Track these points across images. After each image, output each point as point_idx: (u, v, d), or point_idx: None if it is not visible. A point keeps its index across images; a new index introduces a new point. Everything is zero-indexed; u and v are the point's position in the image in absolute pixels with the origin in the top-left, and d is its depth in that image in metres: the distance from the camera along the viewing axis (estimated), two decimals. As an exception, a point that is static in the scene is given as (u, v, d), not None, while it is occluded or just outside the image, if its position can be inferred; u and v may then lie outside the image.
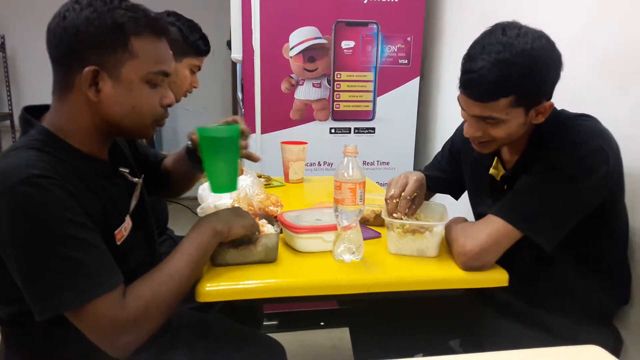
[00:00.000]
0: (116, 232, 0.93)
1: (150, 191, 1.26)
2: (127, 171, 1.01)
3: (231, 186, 1.08)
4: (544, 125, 1.12)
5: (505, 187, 1.20)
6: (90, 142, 0.92)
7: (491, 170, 1.25)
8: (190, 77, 1.65)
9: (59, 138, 0.90)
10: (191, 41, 1.60)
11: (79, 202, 0.83)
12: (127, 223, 0.97)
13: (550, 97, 1.07)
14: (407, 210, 1.21)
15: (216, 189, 1.07)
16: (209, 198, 1.36)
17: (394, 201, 1.22)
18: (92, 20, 0.84)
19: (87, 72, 0.85)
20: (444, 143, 1.51)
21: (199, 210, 1.34)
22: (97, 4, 0.85)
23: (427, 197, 1.51)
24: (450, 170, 1.45)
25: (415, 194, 1.23)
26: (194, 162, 1.16)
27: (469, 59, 1.04)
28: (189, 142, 1.16)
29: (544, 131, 1.12)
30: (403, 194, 1.22)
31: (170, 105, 0.97)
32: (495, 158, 1.25)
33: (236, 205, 1.26)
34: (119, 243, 0.93)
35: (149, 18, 0.89)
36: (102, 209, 0.89)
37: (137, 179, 1.03)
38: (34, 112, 0.94)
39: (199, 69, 1.69)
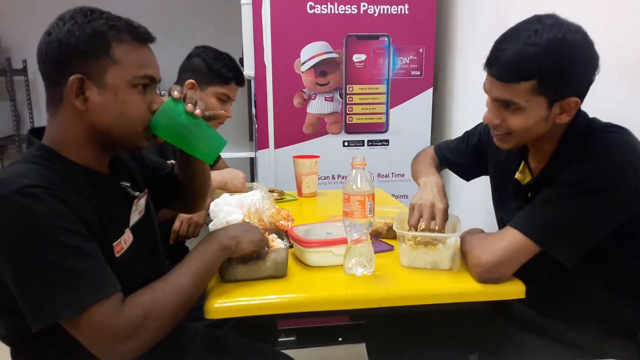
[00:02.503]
0: (114, 244, 0.92)
1: (165, 205, 1.26)
2: (128, 185, 1.02)
3: (217, 147, 1.02)
4: (573, 134, 1.08)
5: (529, 194, 1.16)
6: (86, 154, 0.93)
7: (517, 175, 1.22)
8: (219, 105, 1.67)
9: (54, 152, 0.91)
10: (214, 69, 1.63)
11: (74, 211, 0.84)
12: (127, 236, 0.97)
13: (578, 95, 1.03)
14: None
15: (208, 158, 1.03)
16: (220, 214, 1.36)
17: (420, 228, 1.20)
18: (74, 31, 0.87)
19: (72, 81, 0.86)
20: (466, 131, 1.49)
21: (210, 226, 1.34)
22: (78, 17, 0.88)
23: (439, 170, 1.52)
24: (467, 160, 1.44)
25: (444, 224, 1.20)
26: (182, 155, 1.14)
27: (500, 40, 1.04)
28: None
29: (573, 141, 1.08)
30: (433, 227, 1.18)
31: None
32: (522, 162, 1.21)
33: (247, 220, 1.26)
34: (117, 255, 0.93)
35: (130, 26, 0.91)
36: (99, 219, 0.90)
37: (138, 192, 1.03)
38: (40, 133, 0.95)
39: (229, 97, 1.70)
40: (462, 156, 1.46)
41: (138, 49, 0.92)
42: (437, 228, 1.18)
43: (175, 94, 0.97)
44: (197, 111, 0.97)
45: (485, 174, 1.43)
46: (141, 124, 0.94)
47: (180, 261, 0.97)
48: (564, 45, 0.98)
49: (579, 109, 1.08)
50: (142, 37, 0.92)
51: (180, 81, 1.67)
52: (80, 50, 0.87)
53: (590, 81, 1.04)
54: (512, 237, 1.04)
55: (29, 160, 0.88)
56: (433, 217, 1.18)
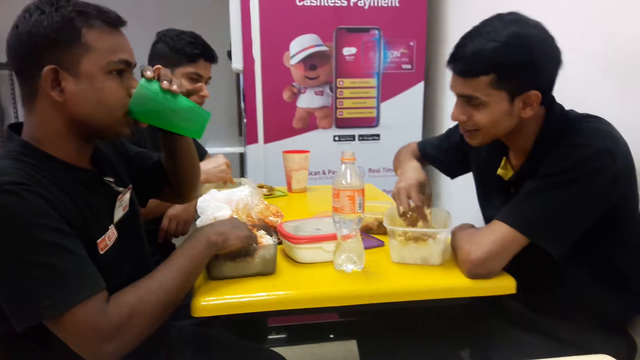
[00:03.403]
0: (99, 240, 0.90)
1: (153, 196, 1.23)
2: (112, 180, 0.99)
3: (201, 120, 0.98)
4: (549, 127, 1.09)
5: (512, 190, 1.17)
6: (67, 148, 0.90)
7: (499, 171, 1.22)
8: (192, 86, 1.60)
9: (35, 147, 0.88)
10: (178, 49, 1.57)
11: (56, 208, 0.81)
12: (112, 233, 0.95)
13: (540, 89, 1.04)
14: (426, 214, 1.21)
15: (195, 133, 0.99)
16: (208, 210, 1.33)
17: (408, 215, 1.20)
18: (41, 21, 0.84)
19: (46, 72, 0.84)
20: (448, 128, 1.48)
21: (198, 222, 1.32)
22: (45, 7, 0.85)
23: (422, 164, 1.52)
24: (450, 157, 1.44)
25: (423, 197, 1.22)
26: (165, 139, 1.11)
27: (462, 37, 1.08)
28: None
29: (550, 133, 1.09)
30: (412, 205, 1.19)
31: None
32: (504, 158, 1.22)
33: (235, 216, 1.23)
34: (102, 252, 0.90)
35: (99, 11, 0.88)
36: (82, 217, 0.87)
37: (122, 188, 1.01)
38: (20, 129, 0.92)
39: (200, 76, 1.62)
40: (445, 154, 1.46)
41: (110, 33, 0.89)
42: (418, 204, 1.19)
43: (148, 73, 0.94)
44: (174, 87, 0.94)
45: (469, 171, 1.43)
46: (121, 111, 0.91)
47: (167, 258, 0.95)
48: (521, 39, 1.00)
49: (554, 101, 1.10)
50: (113, 21, 0.89)
51: None
52: (50, 39, 0.84)
53: (552, 75, 1.06)
54: (500, 231, 1.04)
55: (9, 157, 0.85)
56: (410, 197, 1.20)
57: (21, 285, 0.78)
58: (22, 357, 0.93)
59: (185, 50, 1.57)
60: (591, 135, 1.04)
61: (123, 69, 0.90)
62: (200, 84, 1.59)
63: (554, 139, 1.07)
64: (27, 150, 0.87)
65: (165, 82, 0.94)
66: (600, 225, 1.04)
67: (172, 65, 1.56)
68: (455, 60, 1.07)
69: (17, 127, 0.93)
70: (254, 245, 1.05)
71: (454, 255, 1.12)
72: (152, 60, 1.62)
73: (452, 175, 1.51)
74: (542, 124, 1.10)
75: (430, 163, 1.50)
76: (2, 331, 0.88)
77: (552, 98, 1.10)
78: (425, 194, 1.24)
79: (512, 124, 1.08)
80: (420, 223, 1.21)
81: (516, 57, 1.00)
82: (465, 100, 1.08)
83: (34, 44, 0.84)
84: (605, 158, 1.00)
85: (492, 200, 1.26)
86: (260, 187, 1.82)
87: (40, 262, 0.78)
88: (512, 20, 1.03)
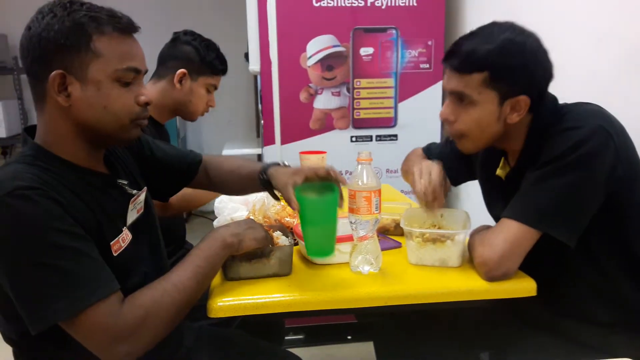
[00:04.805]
0: (112, 243, 0.91)
1: (182, 187, 1.25)
2: (125, 183, 1.00)
3: (329, 250, 1.02)
4: (541, 118, 1.09)
5: (511, 187, 1.14)
6: (78, 152, 0.91)
7: (498, 171, 1.21)
8: (207, 96, 1.66)
9: (47, 151, 0.89)
10: (207, 61, 1.60)
11: (69, 212, 0.82)
12: (126, 235, 0.95)
13: (530, 94, 1.05)
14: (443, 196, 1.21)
15: (313, 253, 1.07)
16: (225, 211, 1.34)
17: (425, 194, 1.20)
18: (53, 24, 0.84)
19: (53, 77, 0.84)
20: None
21: (215, 223, 1.33)
22: (57, 10, 0.85)
23: None
24: (453, 163, 1.40)
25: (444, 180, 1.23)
26: (269, 191, 1.13)
27: (459, 38, 1.10)
28: (264, 175, 1.11)
29: (542, 124, 1.08)
30: (433, 183, 1.20)
31: (147, 104, 0.93)
32: (502, 158, 1.20)
33: (251, 217, 1.24)
34: (115, 254, 0.91)
35: (111, 16, 0.87)
36: (95, 219, 0.88)
37: (136, 190, 1.01)
38: (35, 131, 0.93)
39: (216, 88, 1.69)
40: (448, 159, 1.41)
41: (120, 40, 0.88)
42: (438, 182, 1.20)
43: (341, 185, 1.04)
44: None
45: (473, 178, 1.41)
46: (127, 117, 0.91)
47: (183, 259, 0.95)
48: (516, 45, 1.03)
49: (545, 97, 1.10)
50: (124, 27, 0.89)
51: (165, 69, 1.61)
52: (60, 44, 0.83)
53: (542, 84, 1.07)
54: (509, 228, 1.03)
55: (23, 161, 0.86)
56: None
57: (35, 288, 0.79)
58: (40, 358, 0.94)
59: (213, 63, 1.62)
60: (582, 117, 1.04)
61: (131, 76, 0.90)
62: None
63: (547, 128, 1.06)
64: (39, 154, 0.88)
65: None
66: (611, 215, 1.03)
67: (196, 72, 1.61)
68: (451, 56, 1.09)
69: (32, 130, 0.94)
70: (270, 246, 1.05)
71: (471, 260, 1.10)
72: (174, 59, 1.61)
73: (455, 182, 1.47)
74: (531, 122, 1.10)
75: None
76: (19, 333, 0.90)
77: (542, 97, 1.09)
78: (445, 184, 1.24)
79: (499, 129, 1.09)
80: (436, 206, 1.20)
81: (509, 59, 1.03)
82: (456, 99, 1.10)
83: (43, 47, 0.84)
84: (599, 136, 1.00)
85: (496, 200, 1.25)
86: (277, 188, 1.82)
87: (54, 265, 0.79)
88: (508, 27, 1.06)
